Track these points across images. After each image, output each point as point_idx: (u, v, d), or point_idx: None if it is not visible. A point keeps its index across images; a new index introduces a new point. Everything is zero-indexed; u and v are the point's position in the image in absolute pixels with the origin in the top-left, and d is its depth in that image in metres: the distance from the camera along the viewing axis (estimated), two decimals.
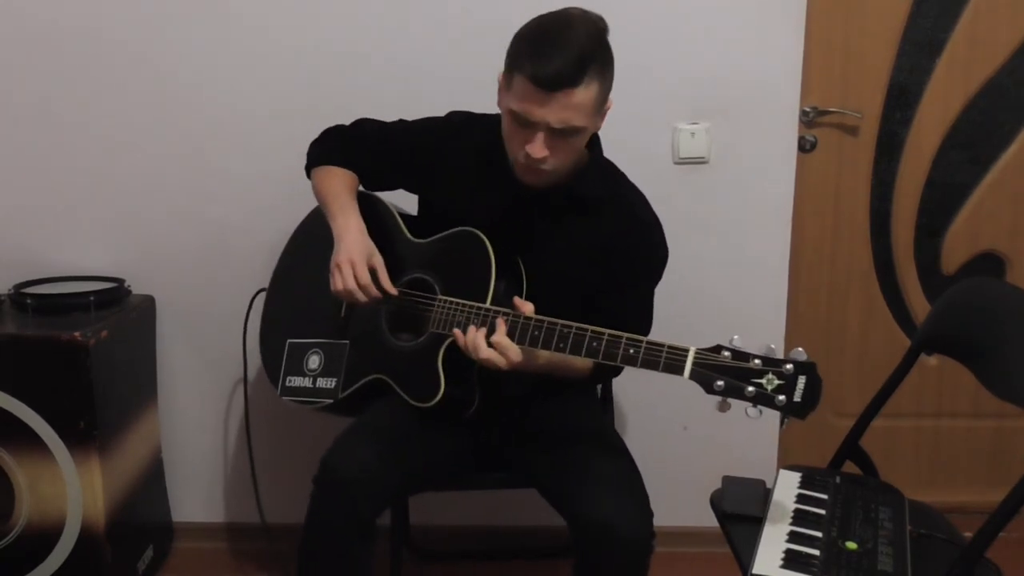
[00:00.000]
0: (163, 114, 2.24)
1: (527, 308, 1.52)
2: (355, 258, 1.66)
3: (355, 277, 1.64)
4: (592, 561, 1.56)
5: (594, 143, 1.70)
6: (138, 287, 2.30)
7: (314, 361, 1.83)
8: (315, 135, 1.90)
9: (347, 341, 1.80)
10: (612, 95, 2.15)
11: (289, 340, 1.88)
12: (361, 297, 1.66)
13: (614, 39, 2.14)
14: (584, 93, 1.48)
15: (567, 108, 1.48)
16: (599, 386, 2.04)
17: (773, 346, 1.37)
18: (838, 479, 1.68)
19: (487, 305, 1.57)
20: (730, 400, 1.36)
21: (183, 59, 2.21)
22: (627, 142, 2.17)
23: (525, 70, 1.48)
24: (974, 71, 2.29)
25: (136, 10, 2.18)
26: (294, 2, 2.17)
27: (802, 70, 2.19)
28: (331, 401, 1.78)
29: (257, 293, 2.04)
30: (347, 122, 1.90)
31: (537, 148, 1.52)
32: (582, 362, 1.66)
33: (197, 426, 2.43)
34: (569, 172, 1.65)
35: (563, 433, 1.73)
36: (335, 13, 2.17)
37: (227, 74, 2.21)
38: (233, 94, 2.22)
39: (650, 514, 1.58)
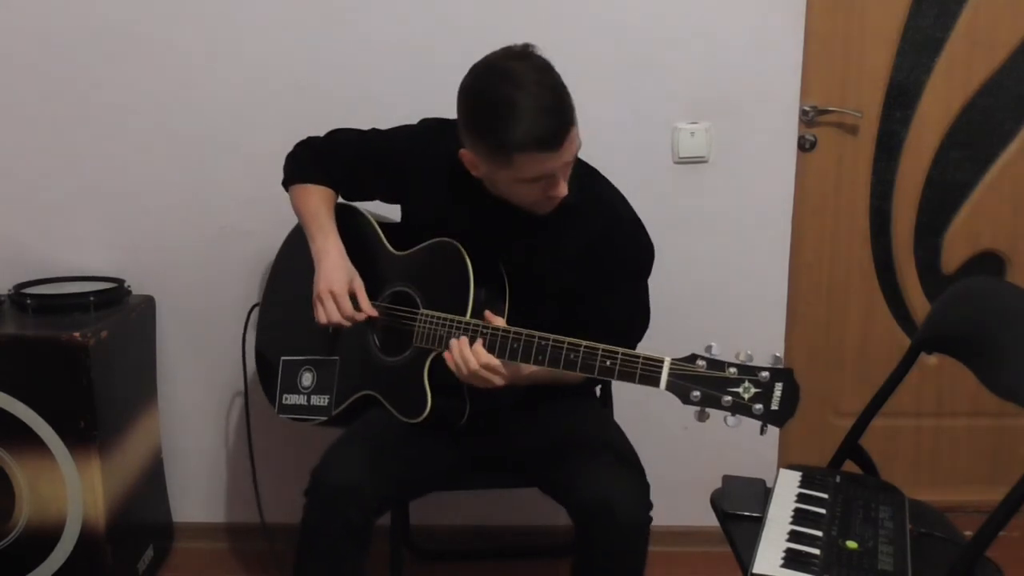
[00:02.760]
0: (163, 114, 2.24)
1: (497, 322, 1.53)
2: (335, 288, 1.68)
3: (338, 309, 1.67)
4: (591, 538, 1.56)
5: None
6: (138, 287, 2.30)
7: (307, 378, 1.83)
8: (314, 135, 1.90)
9: (337, 357, 1.80)
10: (611, 94, 2.18)
11: (283, 358, 1.89)
12: (347, 324, 1.69)
13: (614, 39, 2.16)
14: (575, 118, 1.49)
15: (572, 144, 1.50)
16: (598, 387, 2.04)
17: (750, 352, 1.35)
18: (838, 478, 1.68)
19: (467, 318, 1.57)
20: (708, 410, 1.35)
21: (185, 60, 2.21)
22: (627, 142, 2.18)
23: (527, 146, 1.45)
24: (974, 71, 2.28)
25: (137, 11, 2.18)
26: (295, 5, 2.17)
27: (802, 69, 2.19)
28: (326, 419, 1.79)
29: (253, 307, 2.04)
30: (345, 125, 1.90)
31: (563, 189, 1.54)
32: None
33: (197, 426, 2.43)
34: None
35: (559, 431, 1.74)
36: (336, 16, 2.17)
37: (229, 75, 2.22)
38: (235, 95, 2.22)
39: (646, 487, 1.59)
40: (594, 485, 1.55)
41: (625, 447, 1.69)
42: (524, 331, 1.49)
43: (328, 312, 1.68)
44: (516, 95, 1.45)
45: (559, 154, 1.48)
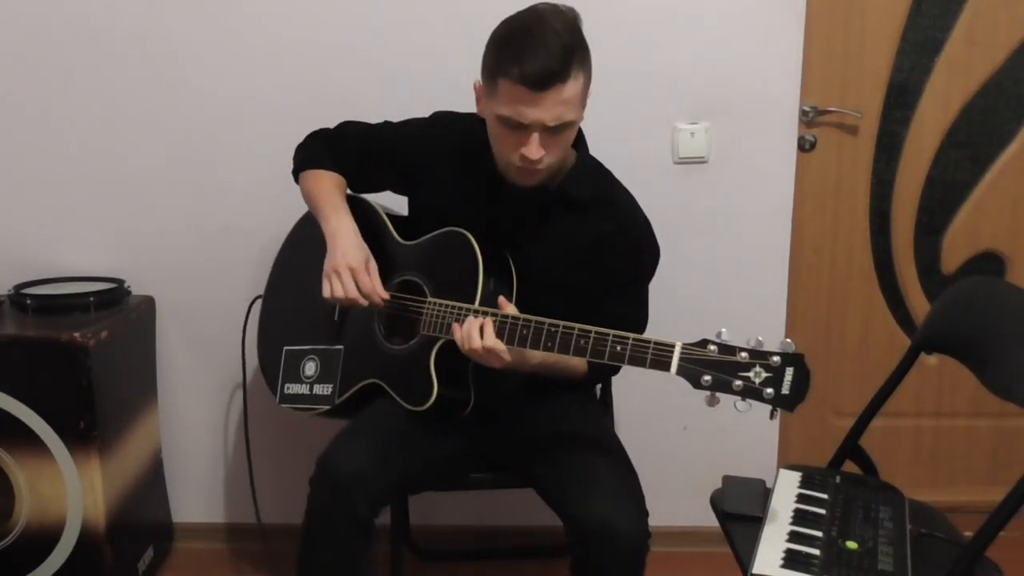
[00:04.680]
0: (163, 114, 2.24)
1: (509, 309, 1.53)
2: (353, 263, 1.65)
3: (356, 283, 1.64)
4: (589, 561, 1.56)
5: (580, 142, 1.70)
6: (138, 287, 2.30)
7: (310, 368, 1.83)
8: (325, 127, 1.90)
9: (341, 346, 1.80)
10: (611, 94, 2.17)
11: (285, 347, 1.88)
12: (364, 302, 1.66)
13: (614, 39, 2.16)
14: (572, 86, 1.49)
15: (559, 104, 1.49)
16: (598, 386, 2.04)
17: (761, 338, 1.36)
18: (838, 479, 1.68)
19: (476, 306, 1.57)
20: (718, 394, 1.35)
21: (184, 59, 2.21)
22: (627, 142, 2.18)
23: (512, 73, 1.47)
24: (973, 71, 2.28)
25: (137, 10, 2.18)
26: (297, 4, 2.17)
27: (802, 70, 2.19)
28: (328, 407, 1.78)
29: (254, 300, 2.04)
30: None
31: (533, 149, 1.52)
32: (578, 361, 1.66)
33: (197, 426, 2.43)
34: (557, 171, 1.65)
35: (560, 434, 1.73)
36: (337, 15, 2.17)
37: (228, 75, 2.21)
38: (234, 95, 2.22)
39: (645, 513, 1.58)
40: (594, 506, 1.54)
41: (626, 467, 1.67)
42: (534, 318, 1.50)
43: (346, 286, 1.64)
44: (532, 25, 1.50)
45: (539, 101, 1.48)
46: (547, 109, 1.48)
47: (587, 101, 1.57)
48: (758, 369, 1.33)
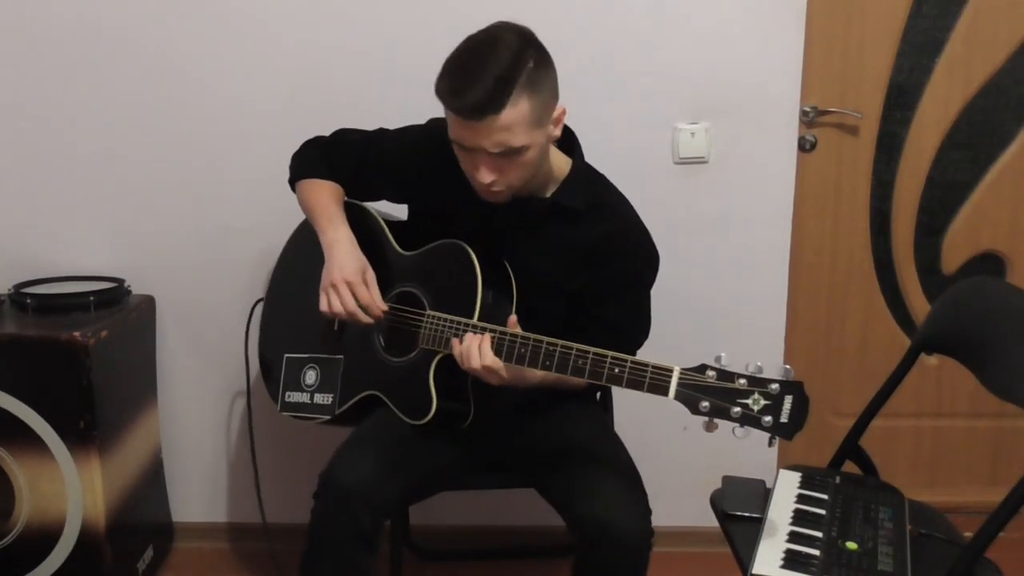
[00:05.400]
0: (163, 114, 2.24)
1: (510, 324, 1.53)
2: (349, 277, 1.64)
3: (353, 297, 1.63)
4: (592, 560, 1.56)
5: (575, 148, 1.69)
6: (138, 287, 2.30)
7: (311, 376, 1.83)
8: (321, 135, 1.89)
9: (341, 356, 1.80)
10: (611, 94, 2.18)
11: (286, 355, 1.88)
12: (364, 318, 1.64)
13: (614, 39, 2.16)
14: (512, 113, 1.45)
15: (497, 132, 1.46)
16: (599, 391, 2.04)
17: (760, 363, 1.35)
18: (838, 479, 1.68)
19: (475, 321, 1.56)
20: (716, 420, 1.35)
21: (185, 59, 2.21)
22: (627, 142, 2.18)
23: (447, 102, 1.47)
24: (974, 71, 2.28)
25: (138, 10, 2.18)
26: (297, 5, 2.17)
27: (802, 70, 2.19)
28: (329, 417, 1.78)
29: (256, 303, 2.04)
30: (348, 124, 1.90)
31: (483, 174, 1.52)
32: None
33: (197, 426, 2.43)
34: (548, 180, 1.65)
35: (561, 438, 1.73)
36: (339, 16, 2.17)
37: (229, 75, 2.22)
38: (235, 95, 2.23)
39: (648, 512, 1.58)
40: (597, 507, 1.54)
41: (628, 466, 1.68)
42: (532, 336, 1.49)
43: (344, 301, 1.62)
44: (472, 53, 1.48)
45: (476, 130, 1.46)
46: (485, 137, 1.47)
47: (553, 120, 1.54)
48: (756, 396, 1.33)
